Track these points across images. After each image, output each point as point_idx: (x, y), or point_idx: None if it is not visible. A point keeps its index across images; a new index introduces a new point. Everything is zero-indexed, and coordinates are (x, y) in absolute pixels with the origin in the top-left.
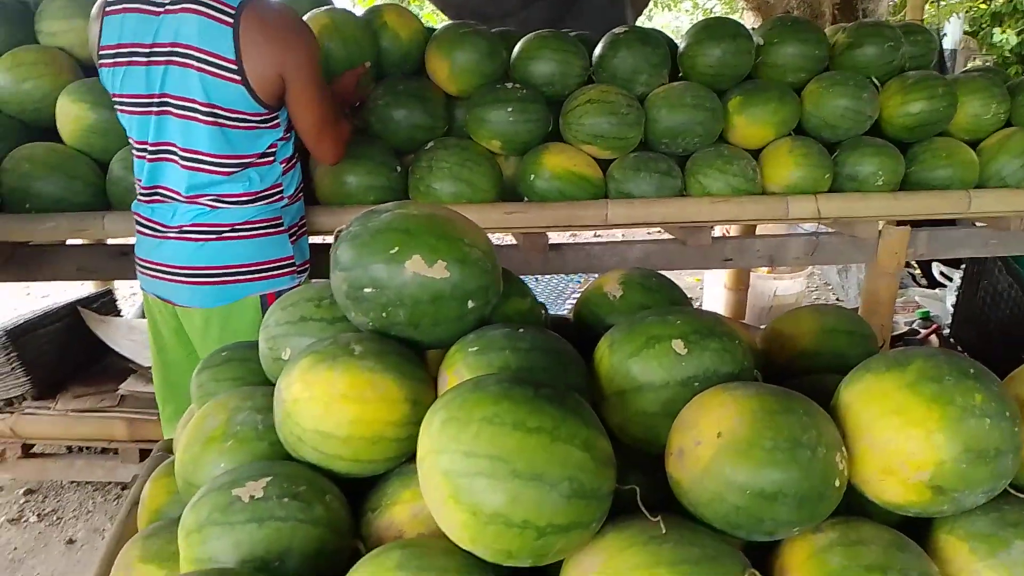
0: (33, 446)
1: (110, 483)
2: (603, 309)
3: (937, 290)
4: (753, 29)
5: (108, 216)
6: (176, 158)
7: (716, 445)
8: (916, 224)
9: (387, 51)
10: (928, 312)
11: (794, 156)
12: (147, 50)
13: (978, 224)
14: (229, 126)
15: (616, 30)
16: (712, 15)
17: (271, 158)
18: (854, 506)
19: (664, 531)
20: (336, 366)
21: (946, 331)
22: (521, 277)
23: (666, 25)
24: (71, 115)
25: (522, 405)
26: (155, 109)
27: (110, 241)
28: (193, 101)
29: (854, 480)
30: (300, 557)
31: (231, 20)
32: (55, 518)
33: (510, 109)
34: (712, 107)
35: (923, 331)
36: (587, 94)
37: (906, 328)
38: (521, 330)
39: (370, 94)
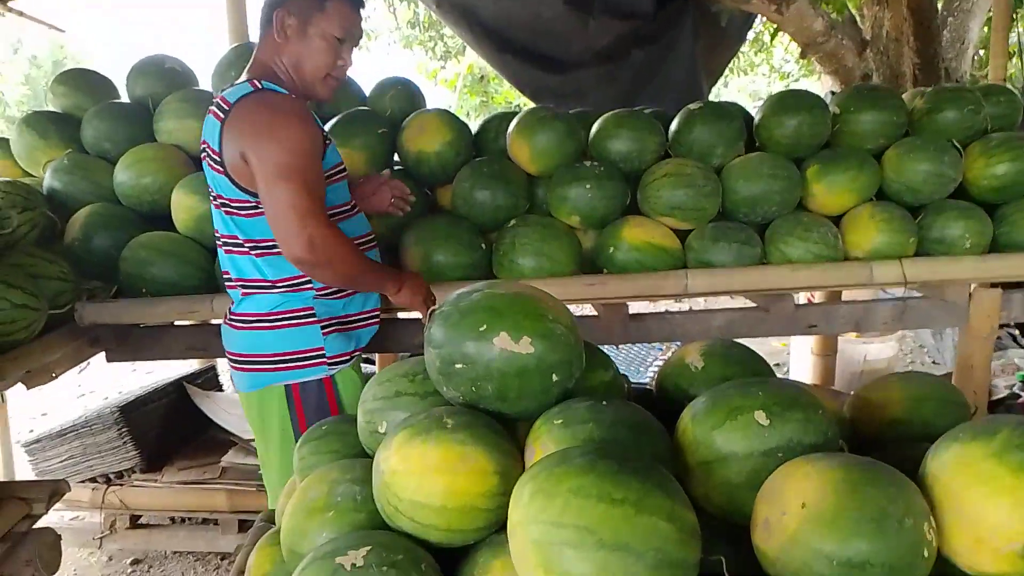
0: (140, 517)
1: (211, 553)
2: (685, 380)
3: None
4: (832, 93)
5: (216, 298)
6: (219, 243)
7: (801, 516)
8: (1011, 286)
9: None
10: None
11: (876, 221)
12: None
13: None
14: (234, 213)
15: (691, 106)
16: (787, 78)
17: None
18: None
19: None
20: (430, 439)
21: None
22: (602, 347)
23: (742, 88)
24: (184, 205)
25: (607, 477)
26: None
27: (214, 320)
28: (211, 190)
29: (944, 551)
30: None
31: (223, 115)
32: None
33: (588, 186)
34: (789, 176)
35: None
36: (663, 168)
37: (1006, 392)
38: (604, 403)
39: (408, 200)
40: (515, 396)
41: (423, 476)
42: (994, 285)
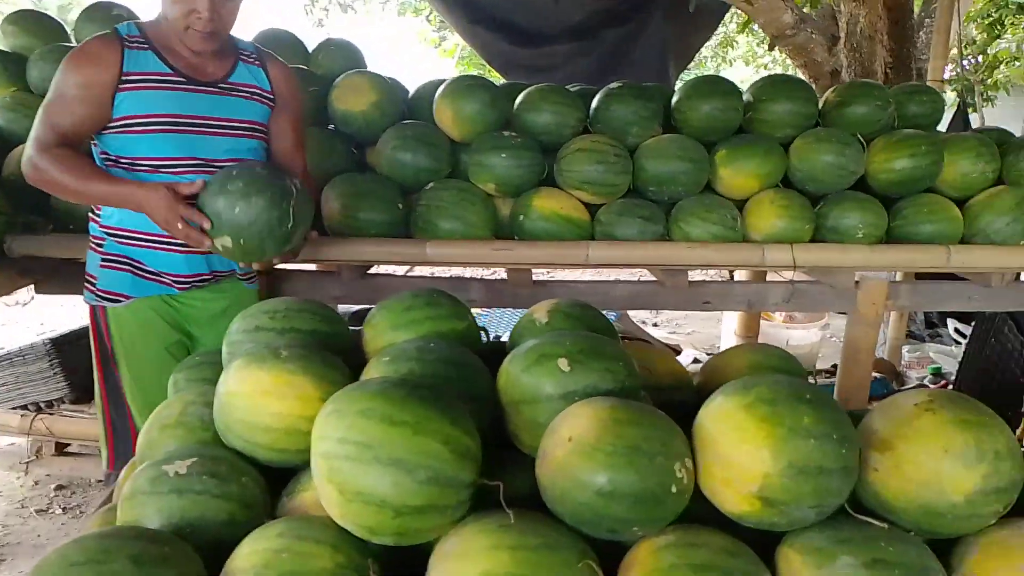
0: (68, 445)
1: None
2: (530, 333)
3: (952, 347)
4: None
5: None
6: None
7: (567, 448)
8: (926, 277)
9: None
10: (940, 368)
11: (775, 207)
12: None
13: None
14: None
15: (612, 85)
16: (763, 68)
17: None
18: (710, 518)
19: (513, 520)
20: (264, 366)
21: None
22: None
23: (744, 79)
24: None
25: (393, 402)
26: None
27: None
28: None
29: (705, 491)
30: (212, 525)
31: None
32: (78, 512)
33: (504, 155)
34: (697, 158)
35: (932, 386)
36: (579, 143)
37: (916, 383)
38: (432, 344)
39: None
40: None
41: (254, 398)
42: (925, 277)
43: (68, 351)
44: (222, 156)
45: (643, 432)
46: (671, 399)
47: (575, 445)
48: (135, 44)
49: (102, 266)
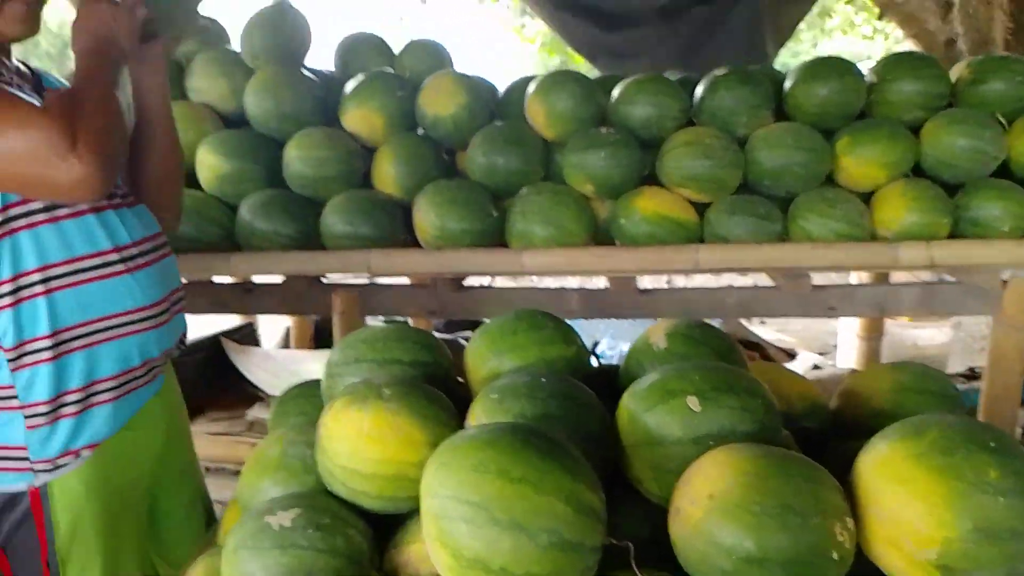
0: None
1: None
2: (647, 360)
3: None
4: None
5: (234, 257)
6: None
7: (707, 506)
8: None
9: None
10: None
11: (906, 199)
12: None
13: None
14: None
15: (717, 71)
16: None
17: None
18: None
19: None
20: (365, 407)
21: None
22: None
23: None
24: (207, 164)
25: (507, 454)
26: None
27: (231, 279)
28: None
29: (868, 552)
30: None
31: None
32: None
33: (603, 154)
34: (815, 148)
35: None
36: (682, 137)
37: None
38: (543, 379)
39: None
40: None
41: (356, 442)
42: None
43: (176, 370)
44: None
45: (794, 486)
46: (805, 427)
47: (715, 504)
48: None
49: (34, 424)
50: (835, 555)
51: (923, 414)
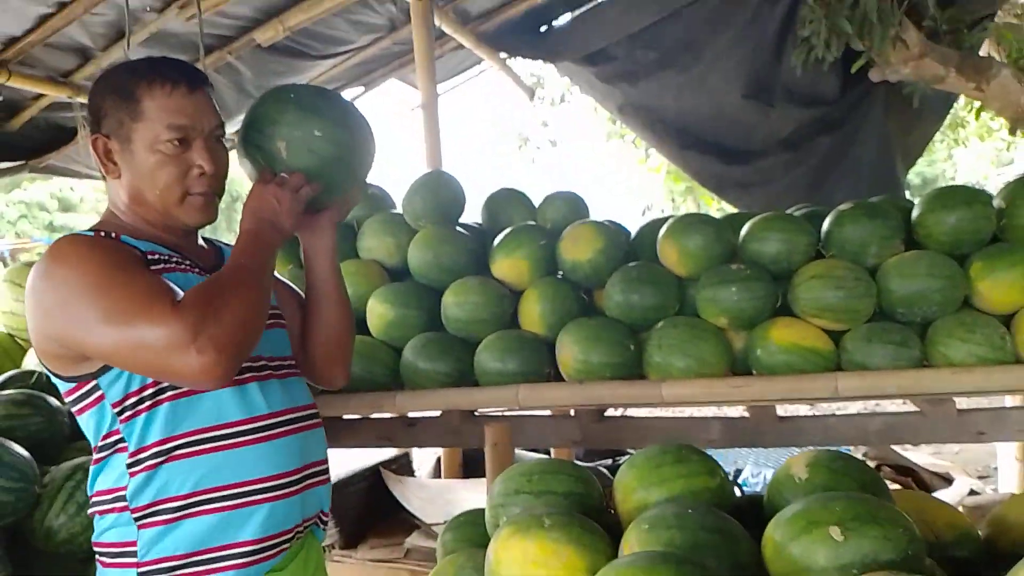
0: None
1: None
2: (789, 491)
3: None
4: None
5: (399, 395)
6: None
7: None
8: None
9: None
10: None
11: None
12: None
13: None
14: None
15: (843, 206)
16: (1011, 144)
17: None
18: None
19: None
20: (529, 535)
21: None
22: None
23: (981, 156)
24: (377, 312)
25: None
26: None
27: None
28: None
29: None
30: None
31: None
32: None
33: (735, 288)
34: (949, 274)
35: None
36: (812, 270)
37: None
38: (690, 510)
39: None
40: None
41: (522, 568)
42: None
43: (338, 497)
44: (269, 353)
45: None
46: (954, 557)
47: None
48: (118, 237)
49: None
50: None
51: None
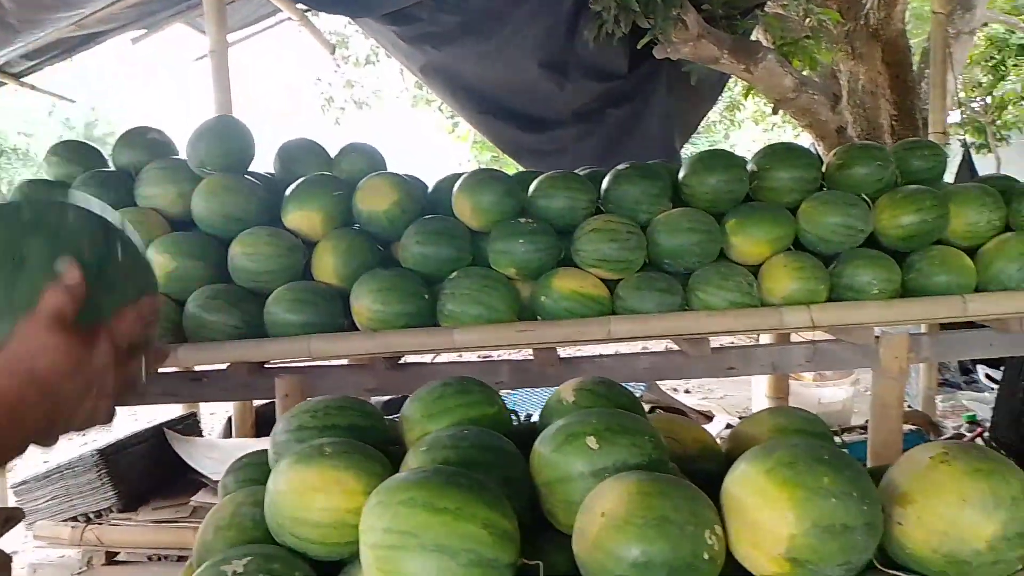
0: (117, 554)
1: None
2: (559, 414)
3: (986, 393)
4: (815, 145)
5: (182, 347)
6: None
7: (600, 523)
8: (950, 327)
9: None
10: (975, 416)
11: (789, 270)
12: None
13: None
14: None
15: (619, 166)
16: (779, 128)
17: None
18: None
19: None
20: (310, 464)
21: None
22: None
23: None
24: (156, 263)
25: (433, 489)
26: None
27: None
28: None
29: (737, 556)
30: None
31: None
32: None
33: (522, 241)
34: (708, 229)
35: (968, 435)
36: (592, 224)
37: (952, 432)
38: (465, 431)
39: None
40: None
41: (302, 495)
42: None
43: (115, 460)
44: None
45: (672, 503)
46: (700, 468)
47: (607, 520)
48: None
49: None
50: (706, 556)
51: (776, 440)
